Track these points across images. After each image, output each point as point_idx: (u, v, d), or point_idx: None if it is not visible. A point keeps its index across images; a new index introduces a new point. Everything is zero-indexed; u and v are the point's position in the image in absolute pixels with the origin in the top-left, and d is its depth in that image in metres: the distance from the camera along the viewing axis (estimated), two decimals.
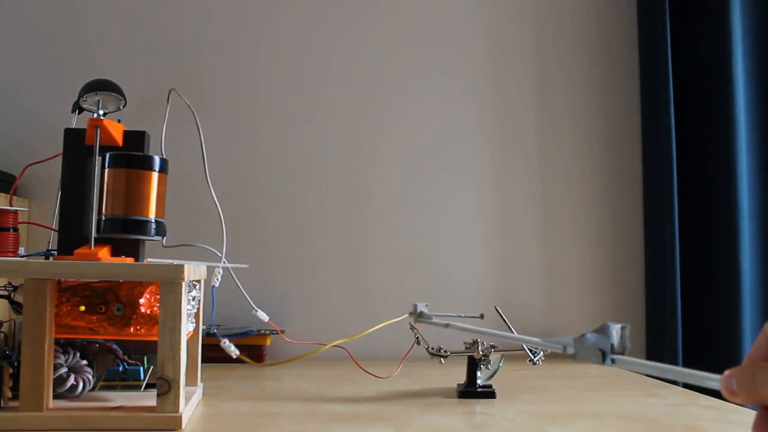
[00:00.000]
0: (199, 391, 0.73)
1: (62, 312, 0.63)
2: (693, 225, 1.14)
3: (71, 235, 0.66)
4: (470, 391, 0.77)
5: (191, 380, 0.73)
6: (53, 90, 1.12)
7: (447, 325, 0.63)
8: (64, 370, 0.65)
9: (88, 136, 0.66)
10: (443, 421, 0.65)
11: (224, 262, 0.78)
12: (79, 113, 0.73)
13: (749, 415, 0.64)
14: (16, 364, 0.63)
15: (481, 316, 0.80)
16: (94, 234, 0.64)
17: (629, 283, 1.21)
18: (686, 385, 0.88)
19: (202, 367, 0.77)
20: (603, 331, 0.42)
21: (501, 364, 0.80)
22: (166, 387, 0.60)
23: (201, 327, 0.76)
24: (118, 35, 1.15)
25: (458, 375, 0.82)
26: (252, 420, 0.65)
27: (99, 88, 0.70)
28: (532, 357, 0.80)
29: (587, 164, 1.22)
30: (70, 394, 0.66)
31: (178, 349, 0.60)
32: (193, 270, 0.67)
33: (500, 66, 1.22)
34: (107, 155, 0.66)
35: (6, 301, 0.67)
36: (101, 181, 0.66)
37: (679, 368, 0.38)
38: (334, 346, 0.86)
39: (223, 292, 0.86)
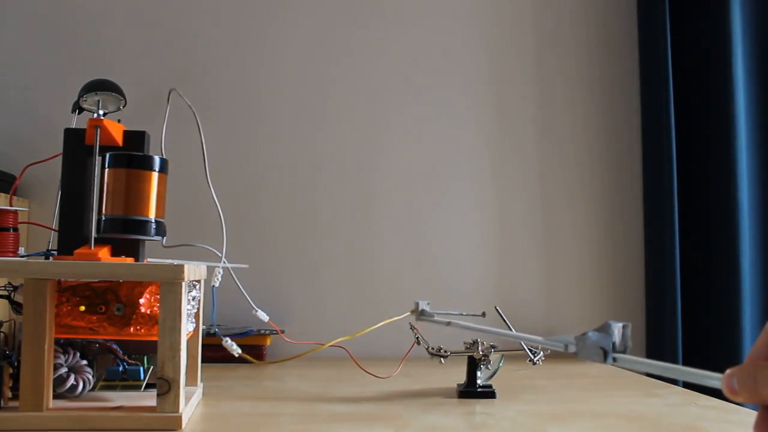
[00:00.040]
0: (199, 391, 0.73)
1: (62, 312, 0.62)
2: (693, 225, 1.14)
3: (71, 235, 0.66)
4: (470, 391, 0.77)
5: (191, 380, 0.73)
6: (53, 90, 1.12)
7: (449, 323, 0.63)
8: (64, 370, 0.65)
9: (88, 136, 0.66)
10: (443, 421, 0.65)
11: (224, 262, 0.78)
12: (79, 113, 0.73)
13: (749, 415, 0.65)
14: (16, 364, 0.63)
15: (483, 315, 0.80)
16: (94, 234, 0.64)
17: (629, 283, 1.21)
18: (686, 385, 0.88)
19: (202, 367, 0.76)
20: (605, 329, 0.42)
21: (501, 364, 0.80)
22: (166, 387, 0.60)
23: (201, 327, 0.76)
24: (118, 35, 1.15)
25: (458, 375, 0.82)
26: (252, 420, 0.65)
27: (99, 88, 0.69)
28: (532, 357, 0.80)
29: (587, 164, 1.22)
30: (70, 394, 0.65)
31: (178, 349, 0.60)
32: (193, 270, 0.67)
33: (500, 66, 1.22)
34: (107, 155, 0.66)
35: (6, 301, 0.67)
36: (101, 181, 0.66)
37: (681, 367, 0.38)
38: (332, 345, 0.86)
39: (223, 292, 0.86)
